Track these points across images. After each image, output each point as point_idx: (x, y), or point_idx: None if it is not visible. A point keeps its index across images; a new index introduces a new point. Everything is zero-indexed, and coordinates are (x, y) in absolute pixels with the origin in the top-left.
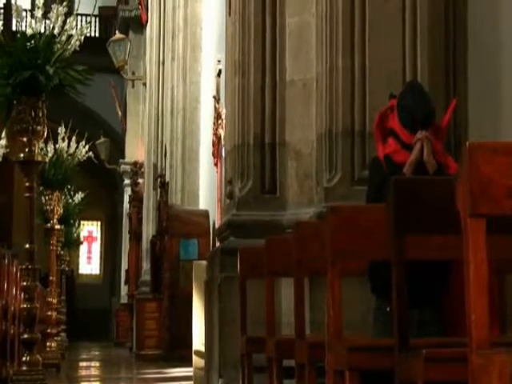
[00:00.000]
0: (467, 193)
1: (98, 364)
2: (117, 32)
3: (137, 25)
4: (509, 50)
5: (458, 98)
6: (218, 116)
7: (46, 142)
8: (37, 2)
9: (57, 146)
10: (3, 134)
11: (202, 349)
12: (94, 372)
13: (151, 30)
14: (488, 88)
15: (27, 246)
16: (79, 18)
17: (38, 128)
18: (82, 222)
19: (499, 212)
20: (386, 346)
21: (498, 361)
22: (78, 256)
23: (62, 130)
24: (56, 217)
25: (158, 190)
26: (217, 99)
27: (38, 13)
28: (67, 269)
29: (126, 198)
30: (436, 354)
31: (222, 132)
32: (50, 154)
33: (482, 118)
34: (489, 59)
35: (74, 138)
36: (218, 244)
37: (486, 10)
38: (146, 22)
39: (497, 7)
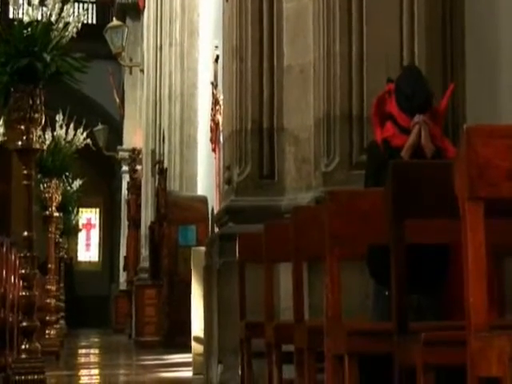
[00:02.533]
0: (465, 176)
1: (97, 351)
2: (114, 19)
3: (134, 11)
4: (506, 35)
5: (455, 82)
6: (215, 102)
7: (43, 130)
8: None
9: (55, 133)
10: (1, 122)
11: (201, 335)
12: (93, 359)
13: (148, 16)
14: (485, 72)
15: (26, 233)
16: (76, 4)
17: (36, 116)
18: (80, 210)
19: (497, 195)
20: (384, 331)
21: (497, 344)
22: (76, 243)
23: (59, 117)
24: (54, 204)
25: (157, 177)
26: (214, 85)
27: (35, 0)
28: (66, 256)
29: (125, 185)
30: (434, 338)
31: (219, 118)
32: (47, 142)
33: (479, 102)
34: (486, 43)
35: (71, 126)
36: (216, 230)
37: None
38: (144, 8)
39: None
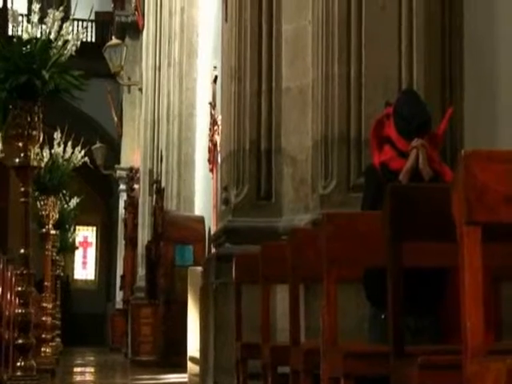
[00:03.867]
0: (463, 200)
1: (92, 369)
2: (113, 37)
3: (133, 30)
4: (505, 59)
5: (453, 106)
6: (213, 122)
7: (41, 147)
8: (33, 6)
9: (52, 151)
10: None
11: (197, 355)
12: (88, 378)
13: (147, 35)
14: (484, 96)
15: (22, 250)
16: (75, 22)
17: (34, 133)
18: (77, 228)
19: (495, 219)
20: (381, 353)
21: (494, 368)
22: (73, 261)
23: (57, 134)
24: (51, 222)
25: (154, 196)
26: (213, 105)
27: (35, 17)
28: (62, 274)
29: (122, 204)
30: (431, 362)
31: (217, 138)
32: (45, 159)
33: (477, 126)
34: (485, 67)
35: (69, 143)
36: (213, 250)
37: (483, 19)
38: (143, 27)
39: (493, 16)
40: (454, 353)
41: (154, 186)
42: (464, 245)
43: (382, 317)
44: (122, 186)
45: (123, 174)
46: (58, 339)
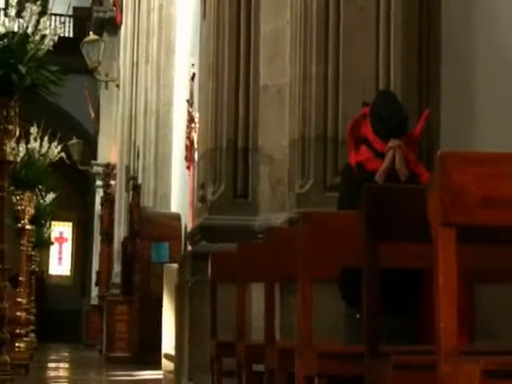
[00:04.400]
0: (438, 202)
1: (67, 365)
2: (91, 33)
3: (111, 26)
4: (482, 60)
5: (430, 107)
6: (191, 120)
7: (17, 142)
8: (10, 0)
9: (29, 145)
10: None
11: (172, 352)
12: (62, 373)
13: (125, 31)
14: (461, 98)
15: None
16: (53, 17)
17: (10, 127)
18: (53, 223)
19: (470, 222)
20: (355, 353)
21: (467, 369)
22: (48, 257)
23: (34, 129)
24: (27, 217)
25: (130, 192)
26: (190, 103)
27: (12, 11)
28: (37, 269)
29: (98, 200)
30: (405, 362)
31: (194, 136)
32: (21, 154)
33: (454, 128)
34: (462, 69)
35: (46, 138)
36: (189, 248)
37: (461, 21)
38: (121, 23)
39: (471, 18)
40: (428, 353)
41: (131, 183)
42: (439, 246)
43: (357, 316)
44: (99, 182)
45: (100, 169)
46: (32, 335)
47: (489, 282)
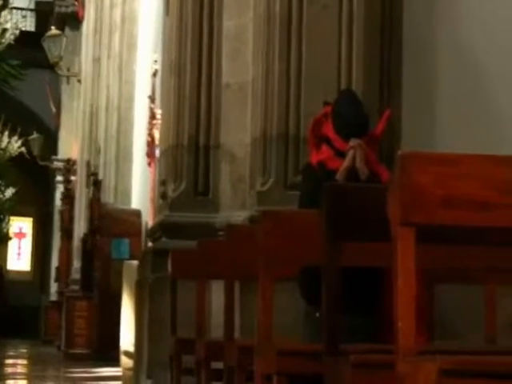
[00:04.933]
0: (398, 201)
1: (25, 362)
2: (52, 27)
3: (73, 21)
4: (444, 61)
5: (391, 107)
6: (152, 116)
7: None
8: None
9: None
10: None
11: (132, 349)
12: (20, 370)
13: (87, 26)
14: (422, 98)
15: None
16: (15, 11)
17: None
18: (12, 218)
19: (430, 221)
20: (315, 351)
21: (424, 368)
22: (7, 252)
23: None
24: None
25: (91, 188)
26: (152, 99)
27: None
28: None
29: (58, 195)
30: (364, 360)
31: (156, 132)
32: None
33: (415, 128)
34: (424, 69)
35: (6, 133)
36: (149, 244)
37: (422, 21)
38: (83, 18)
39: (433, 18)
40: (387, 352)
41: (91, 179)
42: (398, 246)
43: (317, 315)
44: (59, 178)
45: (60, 165)
46: None
47: (448, 282)
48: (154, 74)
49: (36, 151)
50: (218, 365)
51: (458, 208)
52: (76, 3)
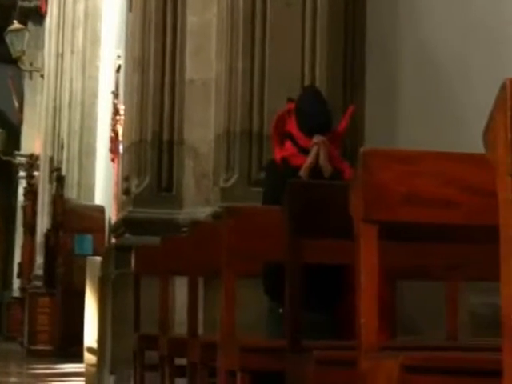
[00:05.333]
0: (361, 198)
1: None
2: (15, 21)
3: (36, 15)
4: (406, 59)
5: (354, 105)
6: (116, 112)
7: None
8: None
9: None
10: None
11: (95, 345)
12: None
13: (51, 21)
14: (385, 95)
15: None
16: None
17: None
18: None
19: (392, 218)
20: (278, 348)
21: (386, 365)
22: None
23: None
24: None
25: (54, 184)
26: (115, 95)
27: None
28: None
29: (21, 191)
30: (326, 357)
31: (119, 128)
32: None
33: (378, 125)
34: (386, 67)
35: None
36: (113, 240)
37: (386, 19)
38: (46, 12)
39: (396, 16)
40: (349, 349)
41: (55, 174)
42: (361, 242)
43: (280, 311)
44: (22, 173)
45: (23, 160)
46: None
47: (410, 279)
48: (118, 70)
49: None
50: (181, 361)
51: (420, 205)
52: None
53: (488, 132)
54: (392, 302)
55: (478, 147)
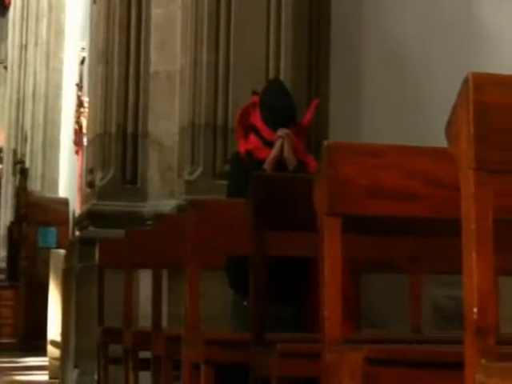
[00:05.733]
0: (325, 192)
1: None
2: None
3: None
4: (370, 54)
5: (319, 98)
6: (80, 104)
7: None
8: None
9: None
10: None
11: (58, 339)
12: None
13: (14, 12)
14: (349, 89)
15: None
16: None
17: None
18: None
19: (356, 212)
20: (242, 341)
21: (350, 357)
22: None
23: None
24: None
25: (18, 176)
26: (80, 87)
27: None
28: None
29: None
30: (290, 350)
31: (84, 120)
32: None
33: (342, 119)
34: (351, 60)
35: None
36: (77, 233)
37: (350, 12)
38: (9, 4)
39: (360, 9)
40: (313, 341)
41: (18, 167)
42: (324, 235)
43: (245, 304)
44: None
45: None
46: None
47: (375, 272)
48: (82, 62)
49: None
50: (145, 354)
51: (383, 198)
52: None
53: (450, 126)
54: (356, 294)
55: (443, 141)
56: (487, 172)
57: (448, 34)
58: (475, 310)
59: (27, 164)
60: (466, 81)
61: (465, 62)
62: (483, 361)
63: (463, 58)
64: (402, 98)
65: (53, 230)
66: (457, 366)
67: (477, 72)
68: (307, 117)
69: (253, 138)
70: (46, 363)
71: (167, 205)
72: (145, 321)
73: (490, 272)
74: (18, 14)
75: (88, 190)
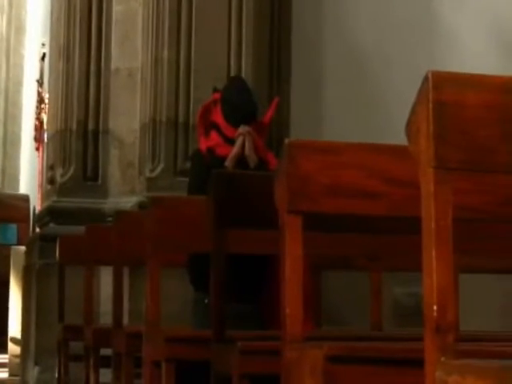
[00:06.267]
0: (285, 189)
1: None
2: None
3: None
4: (332, 50)
5: (280, 96)
6: (41, 100)
7: None
8: None
9: None
10: None
11: (19, 336)
12: None
13: None
14: (310, 86)
15: None
16: None
17: None
18: None
19: (317, 209)
20: (203, 338)
21: (310, 354)
22: None
23: None
24: None
25: None
26: (40, 83)
27: None
28: None
29: None
30: (251, 347)
31: (44, 116)
32: None
33: (303, 117)
34: (312, 59)
35: None
36: (37, 230)
37: (311, 9)
38: None
39: (321, 8)
40: (274, 339)
41: None
42: (285, 233)
43: (206, 301)
44: None
45: None
46: None
47: (335, 269)
48: (43, 58)
49: None
50: (106, 351)
51: (343, 196)
52: None
53: (410, 124)
54: (317, 292)
55: (403, 139)
56: (446, 170)
57: (407, 33)
58: (435, 307)
59: None
60: (425, 79)
61: (424, 61)
62: (443, 358)
63: (422, 57)
64: (362, 96)
65: (13, 226)
66: (417, 363)
67: (436, 70)
68: (268, 114)
69: (214, 135)
70: (6, 360)
71: (128, 202)
72: (105, 318)
73: (449, 270)
74: None
75: (48, 187)
